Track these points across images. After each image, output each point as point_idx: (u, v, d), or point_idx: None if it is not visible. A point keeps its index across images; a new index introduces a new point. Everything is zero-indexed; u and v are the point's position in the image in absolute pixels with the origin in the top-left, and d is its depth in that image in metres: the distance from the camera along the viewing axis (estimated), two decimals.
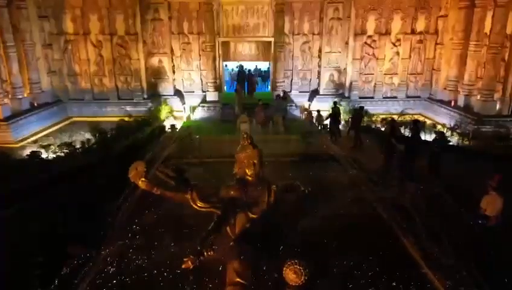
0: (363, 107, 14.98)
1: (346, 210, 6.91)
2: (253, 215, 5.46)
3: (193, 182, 5.69)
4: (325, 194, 7.12)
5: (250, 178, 5.72)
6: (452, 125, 16.11)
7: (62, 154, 10.93)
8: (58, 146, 11.43)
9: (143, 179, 4.88)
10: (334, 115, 15.34)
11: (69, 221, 6.42)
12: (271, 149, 11.91)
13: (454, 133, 15.10)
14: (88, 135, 14.48)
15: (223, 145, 12.94)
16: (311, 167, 9.52)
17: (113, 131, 13.44)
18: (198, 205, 5.53)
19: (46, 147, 11.35)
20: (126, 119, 16.32)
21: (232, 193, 5.65)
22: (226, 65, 24.20)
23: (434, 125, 16.58)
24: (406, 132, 15.13)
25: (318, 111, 17.79)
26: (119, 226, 6.17)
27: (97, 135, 12.26)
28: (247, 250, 4.69)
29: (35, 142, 14.56)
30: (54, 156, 11.18)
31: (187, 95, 22.00)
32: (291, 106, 19.79)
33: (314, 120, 17.98)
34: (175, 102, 21.24)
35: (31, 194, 7.76)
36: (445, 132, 14.67)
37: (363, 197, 7.38)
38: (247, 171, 5.72)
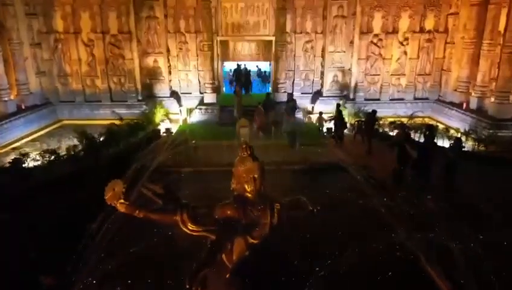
0: (375, 111, 14.22)
1: (363, 241, 6.02)
2: (254, 241, 4.72)
3: (184, 201, 4.99)
4: (336, 218, 6.30)
5: (249, 195, 4.99)
6: (467, 129, 15.39)
7: (44, 162, 10.20)
8: (40, 153, 10.69)
9: (122, 200, 4.16)
10: (339, 118, 14.65)
11: (44, 243, 5.71)
12: (273, 156, 11.28)
13: (469, 138, 14.36)
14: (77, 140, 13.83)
15: (221, 151, 12.26)
16: (317, 177, 8.78)
17: (102, 136, 12.71)
18: (190, 227, 4.79)
19: (26, 155, 10.59)
20: (117, 122, 15.56)
21: (228, 212, 4.91)
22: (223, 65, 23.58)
23: (447, 130, 15.88)
24: (416, 136, 14.42)
25: (320, 113, 17.04)
26: (99, 251, 5.46)
27: (84, 141, 11.54)
28: (247, 287, 3.98)
29: (14, 149, 13.80)
30: (36, 164, 10.47)
31: (184, 97, 21.46)
32: (298, 110, 19.08)
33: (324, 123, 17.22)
34: (171, 104, 20.63)
35: (2, 209, 7.05)
36: (459, 136, 13.96)
37: (384, 222, 6.53)
38: (246, 187, 5.01)
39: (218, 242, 4.68)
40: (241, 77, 22.21)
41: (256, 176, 4.92)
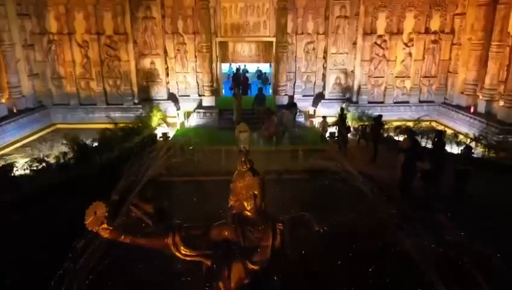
0: (381, 115, 13.78)
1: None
2: (254, 267, 4.32)
3: (177, 221, 4.59)
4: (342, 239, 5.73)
5: (249, 214, 4.60)
6: (474, 134, 14.99)
7: (31, 171, 9.77)
8: (28, 162, 10.25)
9: (104, 225, 3.75)
10: (342, 122, 14.25)
11: (19, 269, 5.26)
12: (274, 164, 10.85)
13: (479, 145, 13.94)
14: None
15: (220, 158, 11.86)
16: (319, 187, 8.31)
17: (96, 142, 12.28)
18: (182, 252, 4.40)
19: (12, 164, 10.16)
20: (111, 127, 15.14)
21: (226, 234, 4.52)
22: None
23: (456, 135, 15.45)
24: (423, 142, 14.00)
25: (324, 118, 16.61)
26: (81, 277, 4.99)
27: (75, 148, 11.11)
28: None
29: (2, 156, 13.38)
30: (24, 172, 10.04)
31: (182, 100, 21.11)
32: (300, 114, 18.68)
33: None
34: (169, 107, 20.25)
35: None
36: (468, 142, 13.56)
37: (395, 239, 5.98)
38: (245, 204, 4.60)
39: (215, 268, 4.29)
40: (239, 79, 21.90)
41: (256, 192, 4.51)
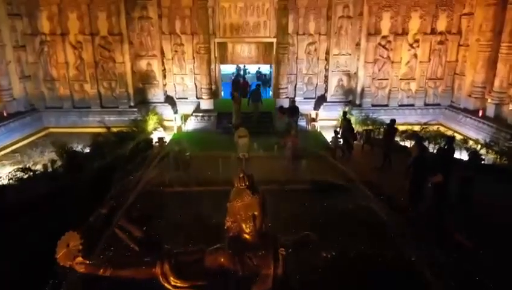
0: (394, 120, 13.19)
1: None
2: None
3: (166, 246, 4.14)
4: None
5: (248, 237, 4.14)
6: (483, 139, 14.53)
7: (15, 181, 9.27)
8: (11, 171, 9.75)
9: (79, 259, 3.26)
10: (350, 128, 13.74)
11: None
12: (275, 172, 10.36)
13: (490, 151, 13.44)
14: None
15: (218, 165, 11.35)
16: (324, 200, 7.75)
17: (88, 148, 11.76)
18: (172, 283, 3.94)
19: None
20: (104, 132, 14.67)
21: (221, 260, 4.06)
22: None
23: (465, 141, 14.96)
24: (430, 147, 13.51)
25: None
26: None
27: (64, 155, 10.62)
28: None
29: None
30: (8, 182, 9.55)
31: (180, 102, 20.76)
32: (301, 118, 18.18)
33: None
34: (166, 110, 19.83)
35: None
36: (478, 148, 13.08)
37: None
38: (244, 227, 4.13)
39: None
40: (238, 82, 21.51)
41: (256, 213, 4.04)
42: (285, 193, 8.33)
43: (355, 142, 14.28)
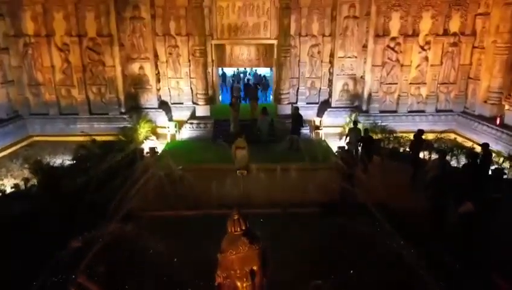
0: (422, 130, 12.24)
1: None
2: None
3: None
4: None
5: None
6: (506, 151, 13.49)
7: None
8: None
9: None
10: (370, 141, 12.78)
11: None
12: (277, 190, 9.34)
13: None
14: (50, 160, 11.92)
15: (213, 183, 10.36)
16: (334, 226, 6.80)
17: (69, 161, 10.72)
18: None
19: None
20: (87, 142, 13.64)
21: None
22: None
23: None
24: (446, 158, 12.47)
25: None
26: None
27: (39, 172, 9.58)
28: None
29: None
30: None
31: (175, 108, 19.98)
32: (305, 125, 17.17)
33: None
34: (159, 116, 18.92)
35: None
36: (501, 161, 12.06)
37: None
38: (239, 285, 3.20)
39: None
40: (238, 88, 20.63)
41: (255, 268, 3.06)
42: (288, 217, 7.38)
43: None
